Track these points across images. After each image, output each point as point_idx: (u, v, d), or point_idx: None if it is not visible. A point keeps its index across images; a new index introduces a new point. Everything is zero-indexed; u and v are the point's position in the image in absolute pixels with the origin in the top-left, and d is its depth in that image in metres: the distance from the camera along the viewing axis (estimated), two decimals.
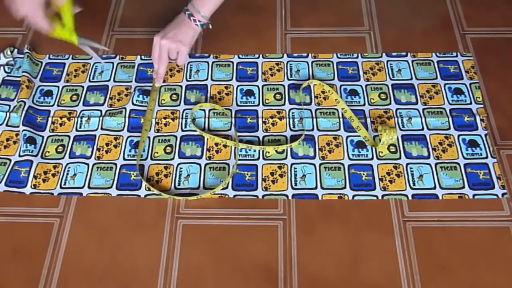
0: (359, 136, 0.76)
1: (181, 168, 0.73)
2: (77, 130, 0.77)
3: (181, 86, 0.82)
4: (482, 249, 0.65)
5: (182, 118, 0.78)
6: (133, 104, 0.79)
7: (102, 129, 0.77)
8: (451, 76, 0.82)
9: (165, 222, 0.69)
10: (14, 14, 0.65)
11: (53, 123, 0.78)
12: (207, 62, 0.86)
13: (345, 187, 0.71)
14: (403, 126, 0.76)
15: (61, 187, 0.72)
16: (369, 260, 0.65)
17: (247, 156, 0.74)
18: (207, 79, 0.83)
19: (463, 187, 0.70)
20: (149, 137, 0.76)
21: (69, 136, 0.77)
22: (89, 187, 0.71)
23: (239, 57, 0.86)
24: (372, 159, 0.73)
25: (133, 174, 0.72)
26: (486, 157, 0.73)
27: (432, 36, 0.88)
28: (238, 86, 0.82)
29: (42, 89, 0.83)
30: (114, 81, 0.83)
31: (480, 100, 0.79)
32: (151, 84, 0.82)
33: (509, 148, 0.74)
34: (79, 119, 0.79)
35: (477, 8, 0.93)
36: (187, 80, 0.83)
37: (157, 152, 0.75)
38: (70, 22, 0.70)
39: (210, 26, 0.79)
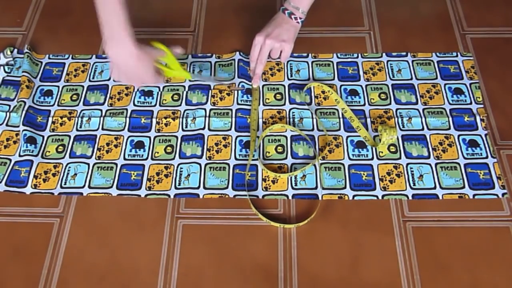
0: (359, 136, 0.76)
1: (181, 168, 0.73)
2: (77, 130, 0.77)
3: (184, 87, 0.82)
4: (482, 249, 0.65)
5: (182, 118, 0.78)
6: (134, 104, 0.79)
7: (102, 129, 0.77)
8: (451, 76, 0.82)
9: (165, 222, 0.69)
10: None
11: (53, 122, 0.78)
12: (210, 62, 0.86)
13: (345, 187, 0.71)
14: (403, 126, 0.76)
15: (61, 187, 0.72)
16: (369, 260, 0.65)
17: (248, 156, 0.74)
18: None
19: (463, 187, 0.70)
20: (149, 137, 0.76)
21: (69, 136, 0.77)
22: (89, 187, 0.71)
23: (240, 54, 0.86)
24: (372, 159, 0.73)
25: (133, 174, 0.73)
26: (486, 157, 0.73)
27: (432, 36, 0.88)
28: (239, 84, 0.82)
29: (42, 89, 0.83)
30: (114, 80, 0.83)
31: (480, 100, 0.79)
32: (150, 84, 0.82)
33: (509, 148, 0.74)
34: (80, 118, 0.79)
35: (477, 8, 0.93)
36: (189, 80, 0.83)
37: (158, 152, 0.75)
38: (176, 65, 0.75)
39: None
